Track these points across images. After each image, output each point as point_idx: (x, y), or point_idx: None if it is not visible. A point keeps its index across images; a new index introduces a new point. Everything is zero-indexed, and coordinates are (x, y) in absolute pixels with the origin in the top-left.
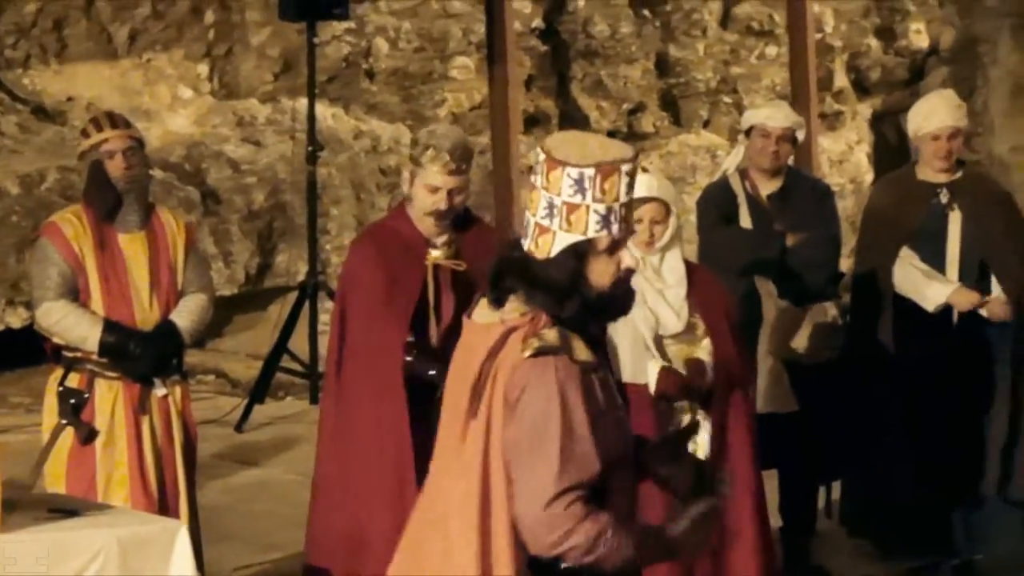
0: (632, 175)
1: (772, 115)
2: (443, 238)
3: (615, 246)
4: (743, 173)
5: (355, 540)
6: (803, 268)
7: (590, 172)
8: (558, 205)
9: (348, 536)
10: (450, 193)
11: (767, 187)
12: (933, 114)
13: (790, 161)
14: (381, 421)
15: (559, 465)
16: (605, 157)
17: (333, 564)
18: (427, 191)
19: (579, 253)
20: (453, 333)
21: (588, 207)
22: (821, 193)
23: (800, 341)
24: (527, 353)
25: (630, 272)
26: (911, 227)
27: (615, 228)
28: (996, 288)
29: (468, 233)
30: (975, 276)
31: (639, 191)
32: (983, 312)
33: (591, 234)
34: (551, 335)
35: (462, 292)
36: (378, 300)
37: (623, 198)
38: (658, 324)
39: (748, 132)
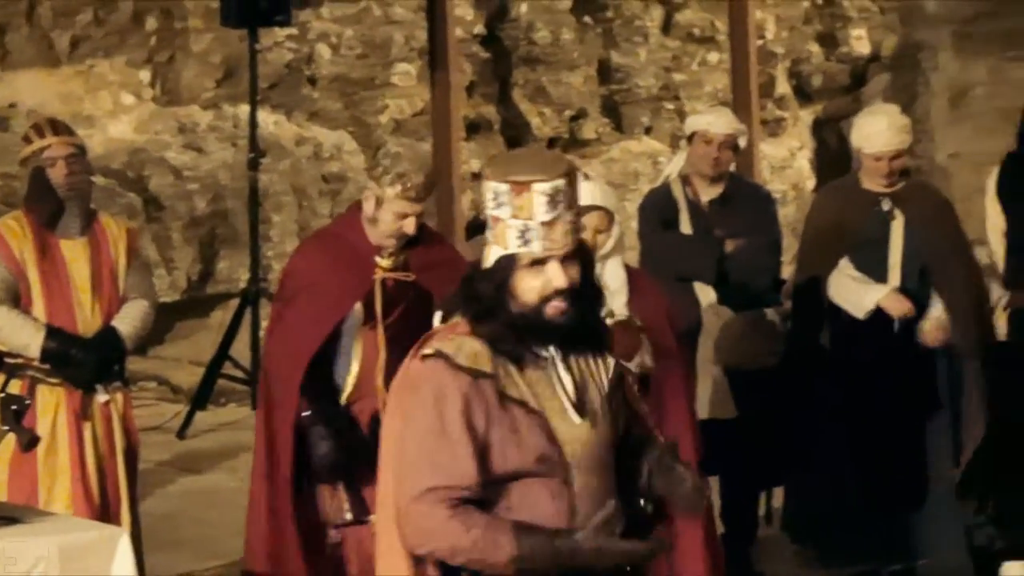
0: (554, 194)
1: (714, 121)
2: (390, 249)
3: (539, 263)
4: (685, 179)
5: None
6: (743, 274)
7: (504, 188)
8: (489, 218)
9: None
10: (417, 217)
11: (708, 193)
12: (876, 138)
13: (732, 167)
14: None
15: (426, 465)
16: (520, 175)
17: (267, 570)
18: (396, 217)
19: (506, 267)
20: (400, 344)
21: (506, 222)
22: (762, 199)
23: (740, 347)
24: (422, 354)
25: (560, 291)
26: (853, 235)
27: (535, 245)
28: (936, 304)
29: (418, 244)
30: (916, 283)
31: (583, 199)
32: (920, 334)
33: (512, 249)
34: (452, 342)
35: (411, 303)
36: (303, 301)
37: (541, 216)
38: None
39: (690, 138)
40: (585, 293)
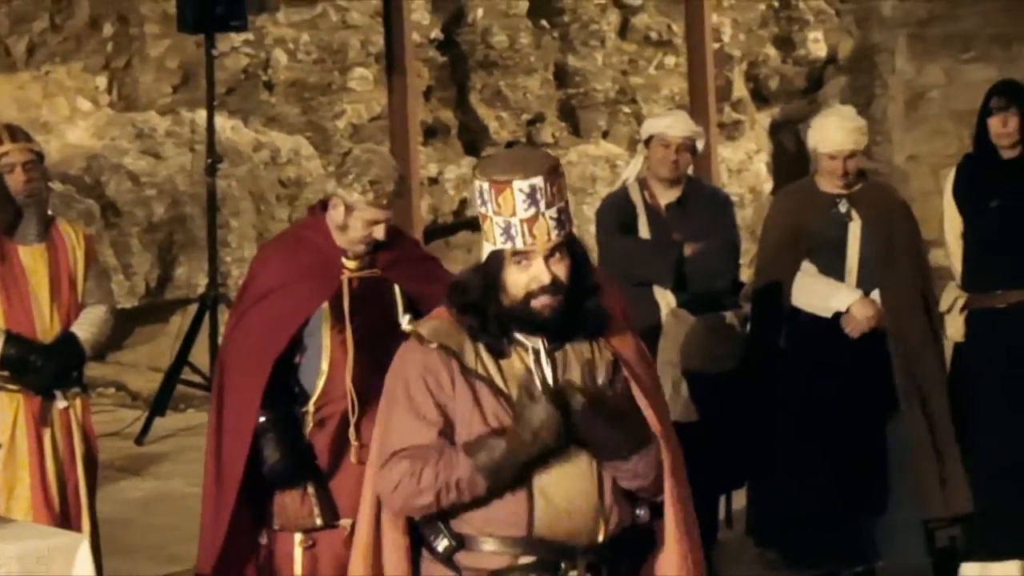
0: (532, 192)
1: (672, 124)
2: (359, 252)
3: (523, 258)
4: (642, 183)
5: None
6: (701, 277)
7: (486, 187)
8: (479, 216)
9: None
10: (388, 223)
11: (666, 196)
12: (831, 136)
13: (690, 171)
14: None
15: (392, 434)
16: (499, 174)
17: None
18: (366, 224)
19: (494, 262)
20: (368, 344)
21: (491, 219)
22: (720, 202)
23: (700, 351)
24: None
25: (544, 288)
26: (811, 238)
27: (519, 241)
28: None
29: (385, 243)
30: (875, 285)
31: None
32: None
33: (498, 245)
34: (428, 323)
35: (378, 303)
36: (265, 303)
37: (521, 213)
38: None
39: (648, 142)
40: (578, 285)
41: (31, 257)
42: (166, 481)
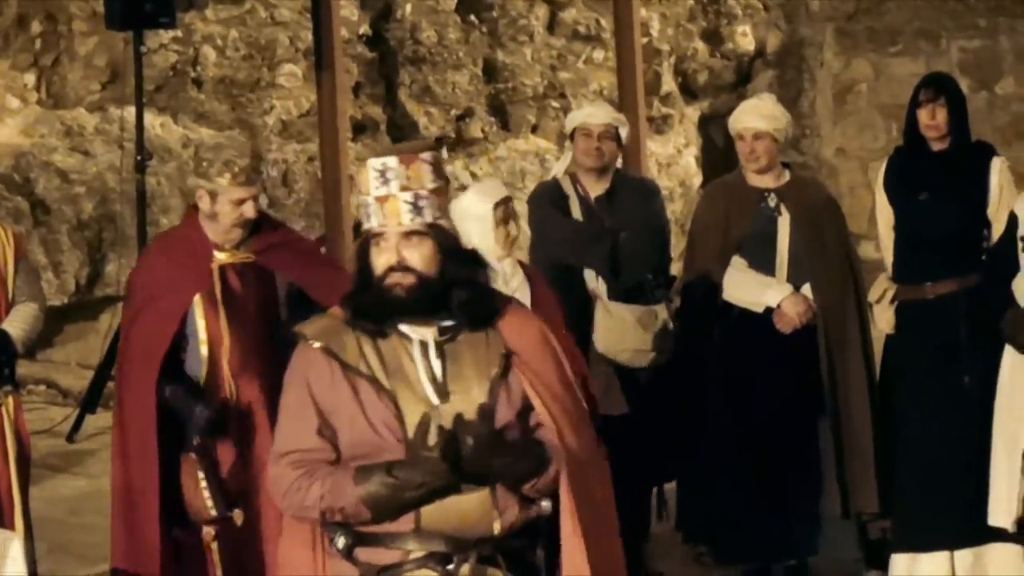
0: (384, 171)
1: (592, 113)
2: (233, 241)
3: (381, 239)
4: (572, 176)
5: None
6: (632, 263)
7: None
8: None
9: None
10: (255, 199)
11: (596, 189)
12: (740, 117)
13: (619, 164)
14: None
15: (280, 434)
16: (368, 156)
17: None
18: (233, 205)
19: (364, 244)
20: (244, 328)
21: (363, 200)
22: (648, 191)
23: (631, 344)
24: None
25: (392, 267)
26: (740, 232)
27: (373, 220)
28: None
29: (258, 230)
30: (804, 280)
31: (496, 195)
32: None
33: (364, 225)
34: (315, 322)
35: (253, 288)
36: (150, 304)
37: (375, 191)
38: None
39: (572, 135)
40: (445, 276)
41: None
42: (98, 479)
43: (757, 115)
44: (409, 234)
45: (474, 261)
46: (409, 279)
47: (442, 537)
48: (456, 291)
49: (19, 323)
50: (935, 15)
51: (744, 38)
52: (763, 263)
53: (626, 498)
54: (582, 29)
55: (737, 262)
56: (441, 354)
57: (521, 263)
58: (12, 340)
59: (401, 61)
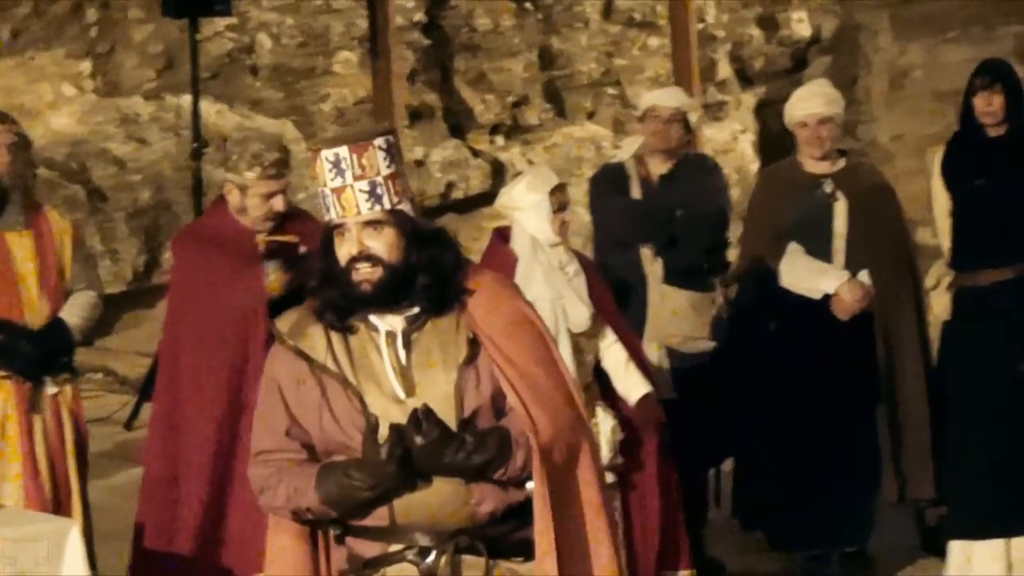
0: (337, 162)
1: (663, 96)
2: (268, 225)
3: (343, 229)
4: (638, 159)
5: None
6: (688, 239)
7: (311, 156)
8: None
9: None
10: (284, 193)
11: (660, 169)
12: (801, 102)
13: (688, 149)
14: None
15: (255, 432)
16: (317, 143)
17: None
18: (262, 199)
19: (326, 236)
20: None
21: (320, 191)
22: (708, 168)
23: (683, 330)
24: None
25: (355, 258)
26: (794, 218)
27: (332, 212)
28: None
29: (292, 221)
30: (861, 266)
31: (550, 182)
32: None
33: (324, 216)
34: (287, 317)
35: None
36: (217, 294)
37: (330, 183)
38: (567, 320)
39: (642, 118)
40: (407, 262)
41: (18, 244)
42: None
43: (821, 100)
44: (369, 223)
45: (440, 242)
46: (377, 272)
47: (418, 530)
48: (420, 276)
49: (77, 311)
50: (990, 1)
51: (800, 24)
52: (819, 249)
53: (685, 484)
54: (637, 16)
55: (794, 248)
56: (408, 344)
57: (576, 252)
58: (70, 329)
59: (456, 48)
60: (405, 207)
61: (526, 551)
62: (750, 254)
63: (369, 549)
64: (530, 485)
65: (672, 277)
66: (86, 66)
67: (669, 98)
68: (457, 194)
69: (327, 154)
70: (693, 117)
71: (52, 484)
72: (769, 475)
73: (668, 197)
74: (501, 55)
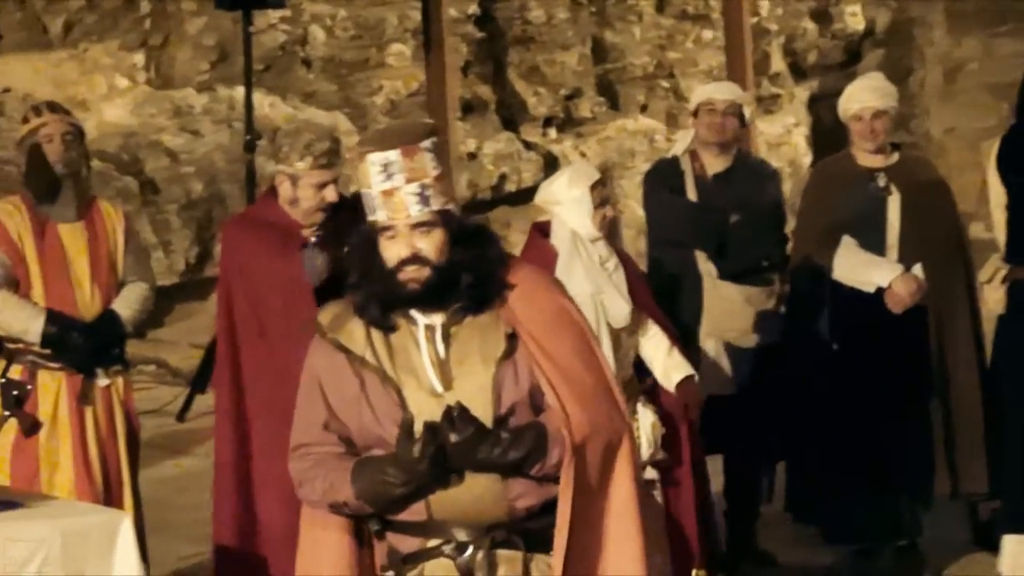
0: (387, 165)
1: (717, 89)
2: (315, 223)
3: (391, 231)
4: (692, 154)
5: (253, 526)
6: (739, 247)
7: (355, 158)
8: None
9: (247, 522)
10: (335, 183)
11: (714, 166)
12: (856, 96)
13: (741, 145)
14: (275, 405)
15: (295, 425)
16: (362, 144)
17: (237, 549)
18: (314, 190)
19: (369, 235)
20: None
21: (363, 192)
22: (766, 175)
23: (739, 324)
24: None
25: (405, 260)
26: (847, 212)
27: (380, 215)
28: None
29: (342, 211)
30: (915, 260)
31: (591, 177)
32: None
33: (369, 218)
34: (329, 310)
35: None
36: (274, 283)
37: (378, 186)
38: (607, 315)
39: (696, 112)
40: (453, 261)
41: (71, 235)
42: (206, 458)
43: (876, 93)
44: (418, 224)
45: (483, 239)
46: (424, 272)
47: (455, 525)
48: (464, 275)
49: (129, 303)
50: None
51: (853, 17)
52: (872, 243)
53: (737, 478)
54: (691, 9)
55: (847, 242)
56: (447, 338)
57: (615, 247)
58: (122, 321)
59: (510, 41)
60: (452, 207)
61: None
62: (803, 248)
63: (407, 544)
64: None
65: (727, 275)
66: (139, 58)
67: (724, 91)
68: (510, 187)
69: (375, 157)
70: (747, 111)
71: (104, 476)
72: (823, 469)
73: (722, 198)
74: (554, 48)
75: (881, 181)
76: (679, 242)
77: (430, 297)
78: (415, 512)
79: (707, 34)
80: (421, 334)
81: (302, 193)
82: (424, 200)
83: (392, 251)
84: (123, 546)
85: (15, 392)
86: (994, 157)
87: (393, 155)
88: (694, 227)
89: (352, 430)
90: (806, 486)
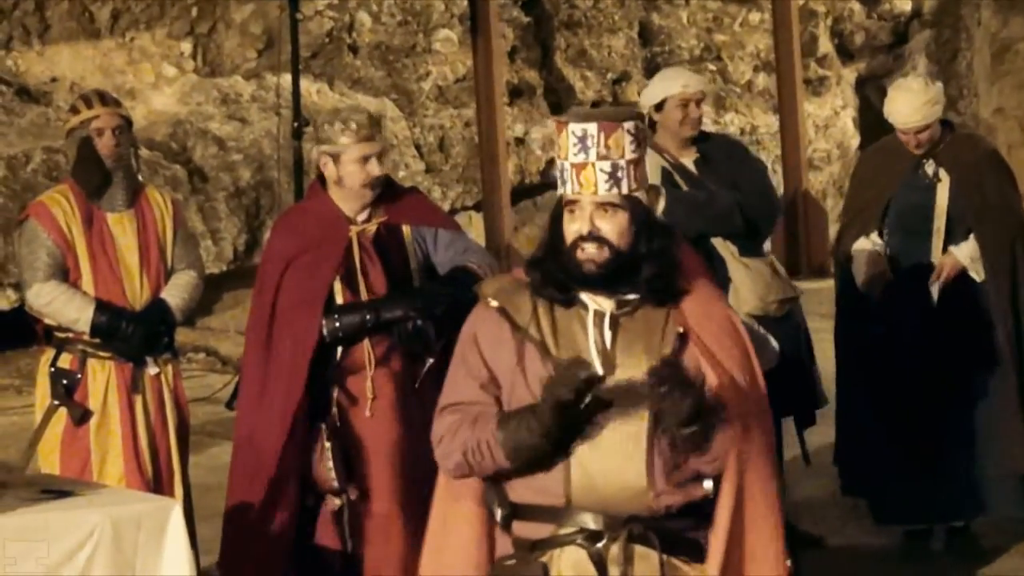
0: (584, 137)
1: (688, 83)
2: (364, 214)
3: (575, 207)
4: (656, 148)
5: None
6: (759, 221)
7: (555, 127)
8: None
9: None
10: (379, 157)
11: (687, 155)
12: (900, 112)
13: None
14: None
15: (445, 388)
16: (566, 116)
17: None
18: (359, 165)
19: (557, 211)
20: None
21: (557, 163)
22: (741, 150)
23: (776, 295)
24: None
25: (583, 237)
26: (895, 201)
27: (568, 187)
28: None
29: (389, 197)
30: (965, 238)
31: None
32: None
33: (559, 192)
34: (495, 282)
35: (393, 255)
36: (298, 272)
37: (572, 158)
38: None
39: (659, 107)
40: (636, 249)
41: (119, 224)
42: None
43: (917, 114)
44: (603, 204)
45: (668, 235)
46: (603, 254)
47: (593, 513)
48: (646, 266)
49: (178, 292)
50: None
51: None
52: (919, 231)
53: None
54: None
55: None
56: (615, 326)
57: None
58: (171, 309)
59: (556, 25)
60: (641, 195)
61: (696, 552)
62: (849, 230)
63: (538, 531)
64: (707, 484)
65: (747, 252)
66: (187, 46)
67: (693, 82)
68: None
69: (575, 128)
70: (709, 98)
71: (153, 464)
72: (876, 445)
73: (715, 181)
74: (601, 32)
75: (929, 168)
76: (701, 234)
77: (605, 280)
78: (553, 496)
79: (754, 16)
80: (590, 319)
81: (346, 170)
82: (615, 180)
83: (573, 226)
84: (173, 534)
85: (64, 381)
86: None
87: (592, 128)
88: (711, 215)
89: (504, 399)
90: (859, 462)
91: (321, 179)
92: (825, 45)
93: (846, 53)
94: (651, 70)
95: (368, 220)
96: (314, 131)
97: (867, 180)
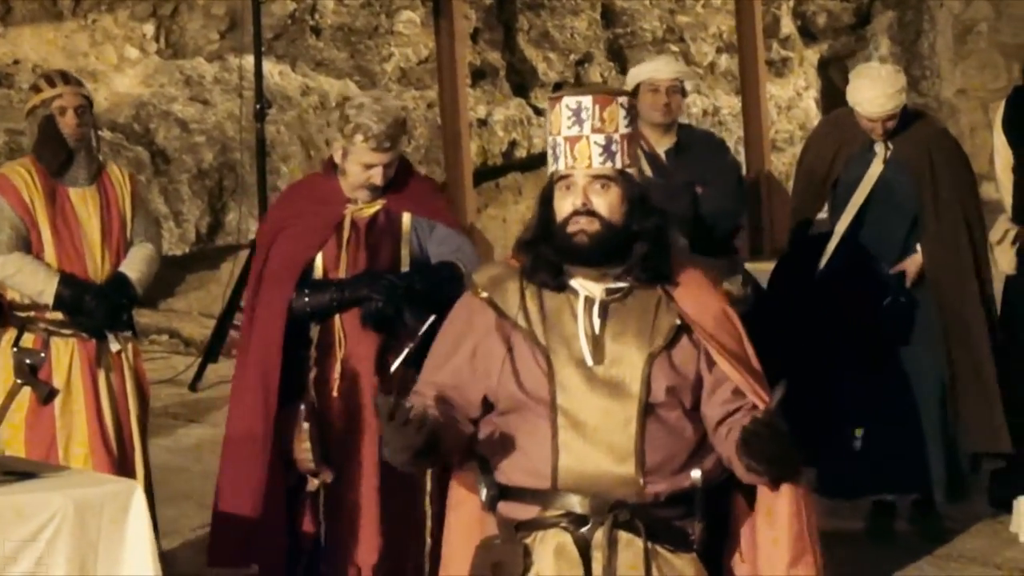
0: (578, 110)
1: (659, 68)
2: (366, 196)
3: (568, 182)
4: None
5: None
6: (713, 218)
7: (548, 104)
8: None
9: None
10: (384, 167)
11: (662, 143)
12: (867, 103)
13: (683, 118)
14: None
15: (422, 373)
16: (559, 91)
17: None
18: (362, 168)
19: (548, 191)
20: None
21: (548, 140)
22: (716, 146)
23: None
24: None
25: (577, 211)
26: (838, 172)
27: (561, 162)
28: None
29: (400, 183)
30: (886, 218)
31: None
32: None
33: (549, 169)
34: (487, 269)
35: (384, 242)
36: (284, 243)
37: (565, 131)
38: None
39: (634, 91)
40: (629, 227)
41: (82, 199)
42: (220, 427)
43: (890, 102)
44: (597, 178)
45: (660, 215)
46: (594, 225)
47: (580, 497)
48: (638, 244)
49: (136, 265)
50: None
51: None
52: (841, 207)
53: None
54: None
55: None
56: (604, 312)
57: None
58: (132, 283)
59: (519, 7)
60: (633, 171)
61: (683, 541)
62: (798, 202)
63: (523, 512)
64: (695, 474)
65: (700, 249)
66: (149, 28)
67: (666, 69)
68: (520, 153)
69: (569, 101)
70: (689, 85)
71: (118, 441)
72: (822, 420)
73: (683, 172)
74: (564, 13)
75: (878, 148)
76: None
77: (597, 252)
78: (539, 478)
79: None
80: (580, 305)
81: (350, 167)
82: (609, 154)
83: (566, 202)
84: (135, 515)
85: (28, 361)
86: (1000, 119)
87: (586, 101)
88: (666, 205)
89: (488, 388)
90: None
91: (332, 161)
92: (788, 26)
93: (809, 34)
94: (614, 51)
95: (369, 202)
96: (340, 116)
97: (817, 154)
